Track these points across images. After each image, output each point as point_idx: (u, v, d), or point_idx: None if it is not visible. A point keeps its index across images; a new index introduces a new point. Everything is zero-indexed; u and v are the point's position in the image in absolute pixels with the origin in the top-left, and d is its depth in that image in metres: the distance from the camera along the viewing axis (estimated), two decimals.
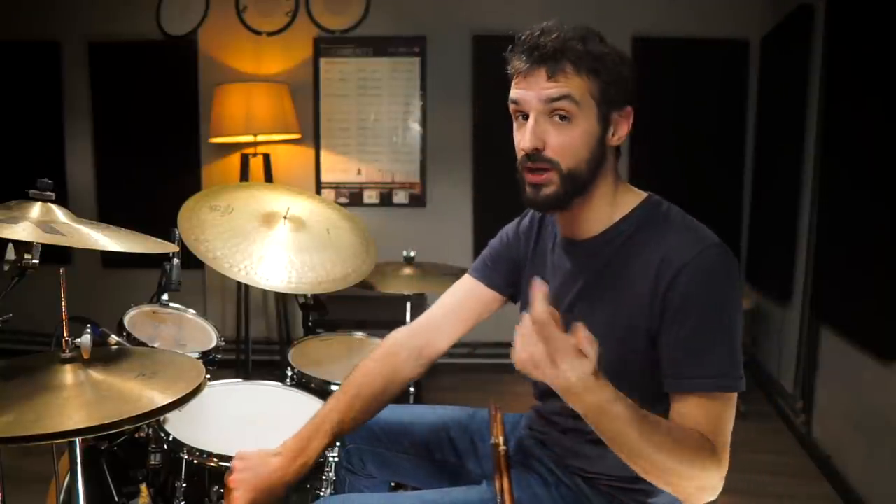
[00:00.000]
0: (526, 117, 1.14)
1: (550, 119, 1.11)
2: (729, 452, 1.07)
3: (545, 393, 1.35)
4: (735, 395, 1.09)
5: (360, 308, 3.36)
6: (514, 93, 1.14)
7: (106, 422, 1.00)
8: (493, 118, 3.95)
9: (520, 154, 1.16)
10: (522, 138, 1.13)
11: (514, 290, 1.43)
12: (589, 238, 1.22)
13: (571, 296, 1.23)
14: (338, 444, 1.49)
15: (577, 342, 0.92)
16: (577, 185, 1.14)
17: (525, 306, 1.35)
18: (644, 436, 0.98)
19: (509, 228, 1.45)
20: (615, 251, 1.18)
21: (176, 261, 1.80)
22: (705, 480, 1.04)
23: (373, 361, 1.38)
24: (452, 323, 1.41)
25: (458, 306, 1.42)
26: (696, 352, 1.07)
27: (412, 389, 1.93)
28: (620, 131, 1.16)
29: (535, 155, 1.12)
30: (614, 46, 1.15)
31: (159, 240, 1.38)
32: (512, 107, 1.17)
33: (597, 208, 1.20)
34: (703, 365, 1.07)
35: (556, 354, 0.92)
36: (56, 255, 1.19)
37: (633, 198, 1.21)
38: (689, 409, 1.07)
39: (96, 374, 1.14)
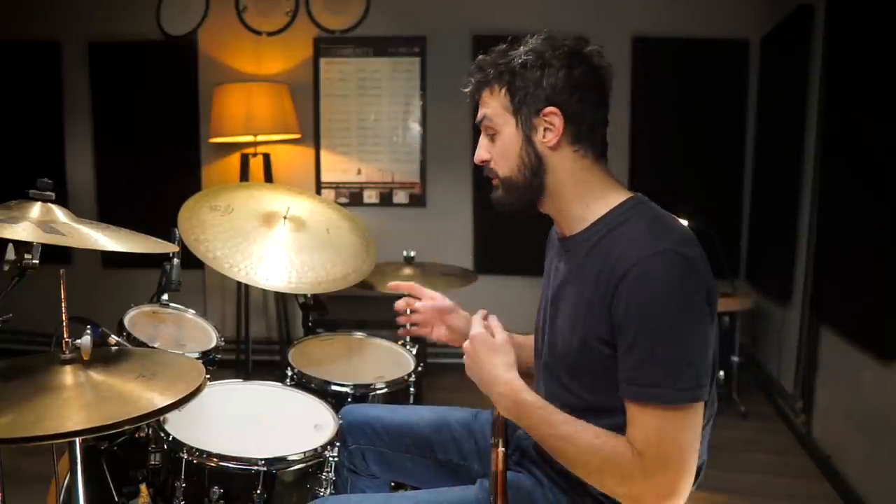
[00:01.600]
0: None
1: (486, 136, 1.26)
2: (679, 465, 1.05)
3: (536, 383, 1.36)
4: (685, 408, 1.05)
5: (360, 308, 3.35)
6: None
7: (106, 422, 1.00)
8: None
9: None
10: None
11: None
12: (571, 236, 1.24)
13: (553, 290, 1.28)
14: (338, 444, 1.50)
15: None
16: (521, 189, 1.22)
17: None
18: (555, 434, 1.12)
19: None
20: (588, 250, 1.18)
21: (176, 261, 1.80)
22: (630, 488, 1.08)
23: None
24: None
25: None
26: (636, 361, 1.06)
27: (412, 389, 1.93)
28: (549, 133, 1.18)
29: (484, 166, 1.27)
30: (546, 46, 1.18)
31: (159, 240, 1.38)
32: None
33: (571, 207, 1.22)
34: (641, 375, 1.05)
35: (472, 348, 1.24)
36: (56, 255, 1.19)
37: (615, 198, 1.20)
38: (630, 417, 1.08)
39: (96, 375, 1.14)
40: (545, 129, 1.18)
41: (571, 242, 1.23)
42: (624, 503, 1.14)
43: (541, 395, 1.27)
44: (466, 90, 1.27)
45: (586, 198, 1.20)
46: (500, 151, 1.23)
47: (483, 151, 1.26)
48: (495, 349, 1.23)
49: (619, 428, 1.10)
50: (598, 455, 1.09)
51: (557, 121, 1.17)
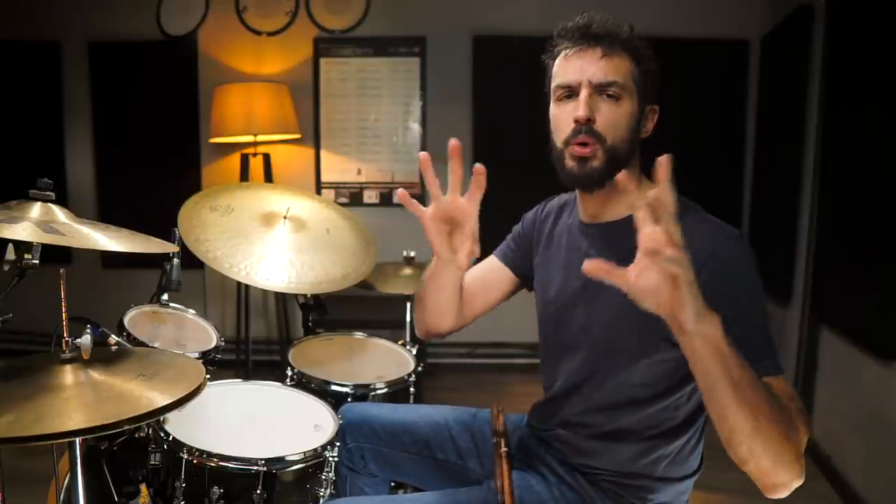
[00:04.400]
0: (570, 96, 1.20)
1: (600, 96, 1.18)
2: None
3: (553, 383, 1.36)
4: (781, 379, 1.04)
5: (360, 308, 3.35)
6: (564, 71, 1.22)
7: (106, 422, 1.00)
8: (493, 118, 3.97)
9: (566, 129, 1.20)
10: (576, 109, 1.18)
11: (526, 273, 1.48)
12: (611, 221, 1.25)
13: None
14: (338, 443, 1.50)
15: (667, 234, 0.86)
16: (616, 163, 1.18)
17: (540, 287, 1.42)
18: (744, 383, 0.90)
19: (529, 213, 1.52)
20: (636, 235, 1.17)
21: (176, 261, 1.80)
22: (790, 455, 0.92)
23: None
24: (474, 291, 1.49)
25: (481, 277, 1.51)
26: (737, 342, 1.00)
27: (412, 389, 1.93)
28: (648, 125, 1.24)
29: (586, 127, 1.17)
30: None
31: (159, 240, 1.38)
32: (557, 86, 1.23)
33: (621, 194, 1.23)
34: (747, 354, 0.96)
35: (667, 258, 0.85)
36: (56, 255, 1.19)
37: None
38: None
39: (96, 375, 1.14)
40: (647, 120, 1.25)
41: (613, 227, 1.25)
42: (766, 476, 0.95)
43: (559, 383, 1.30)
44: (598, 29, 1.19)
45: (640, 186, 1.25)
46: (617, 117, 1.19)
47: (601, 113, 1.18)
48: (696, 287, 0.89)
49: (660, 417, 1.13)
50: (792, 405, 0.97)
51: (655, 118, 1.25)
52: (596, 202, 1.27)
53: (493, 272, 1.52)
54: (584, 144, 1.18)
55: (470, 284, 1.49)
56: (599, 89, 1.18)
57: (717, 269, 1.07)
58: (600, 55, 1.18)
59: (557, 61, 1.24)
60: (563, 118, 1.21)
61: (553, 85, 1.25)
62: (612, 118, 1.18)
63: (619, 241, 1.18)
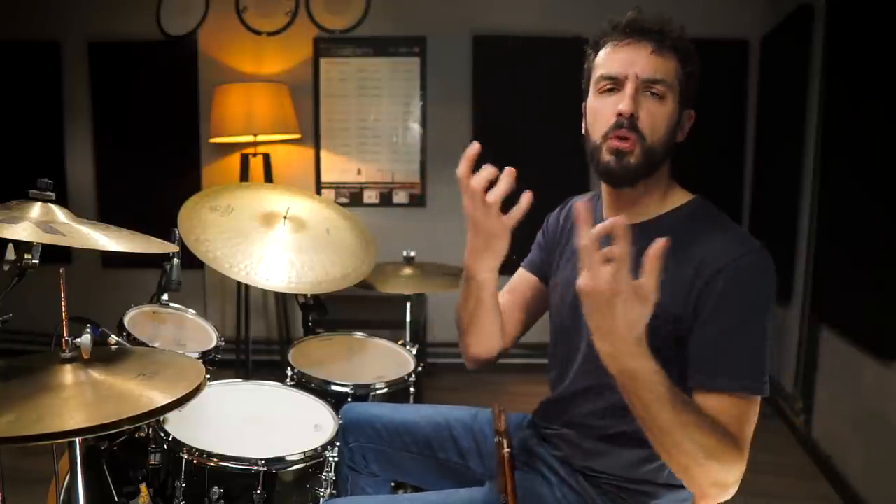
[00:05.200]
0: (613, 89, 1.18)
1: (644, 93, 1.16)
2: (745, 456, 1.06)
3: (560, 383, 1.35)
4: (758, 400, 1.09)
5: (360, 308, 3.36)
6: (610, 63, 1.19)
7: (106, 422, 1.00)
8: (493, 118, 3.97)
9: (606, 122, 1.18)
10: (619, 102, 1.15)
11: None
12: (635, 224, 1.22)
13: None
14: (337, 444, 1.50)
15: (640, 286, 0.92)
16: (652, 163, 1.18)
17: (557, 286, 1.39)
18: (676, 413, 0.98)
19: (551, 215, 1.50)
20: (670, 235, 1.17)
21: (176, 261, 1.80)
22: (723, 475, 1.03)
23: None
24: (511, 308, 1.47)
25: (515, 291, 1.49)
26: (725, 352, 1.08)
27: (412, 389, 1.93)
28: (684, 129, 1.23)
29: (629, 122, 1.15)
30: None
31: (159, 240, 1.38)
32: (601, 76, 1.19)
33: (650, 196, 1.23)
34: (731, 366, 1.08)
35: (616, 293, 0.91)
36: (56, 255, 1.19)
37: (683, 196, 1.25)
38: (712, 407, 1.07)
39: (96, 374, 1.14)
40: (684, 124, 1.23)
41: (638, 228, 1.20)
42: (708, 491, 1.05)
43: (567, 384, 1.31)
44: (650, 24, 1.17)
45: (667, 191, 1.24)
46: (659, 117, 1.16)
47: (645, 110, 1.16)
48: (639, 309, 0.93)
49: None
50: (715, 435, 1.01)
51: (690, 124, 1.24)
52: (620, 202, 1.25)
53: (524, 284, 1.49)
54: (624, 139, 1.15)
55: (506, 301, 1.46)
56: (645, 85, 1.15)
57: (731, 277, 1.09)
58: (650, 51, 1.15)
59: (602, 52, 1.21)
60: (603, 111, 1.18)
61: (596, 76, 1.21)
62: (655, 117, 1.16)
63: (636, 245, 1.19)
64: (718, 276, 1.10)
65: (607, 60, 1.19)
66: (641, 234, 1.19)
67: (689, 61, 1.19)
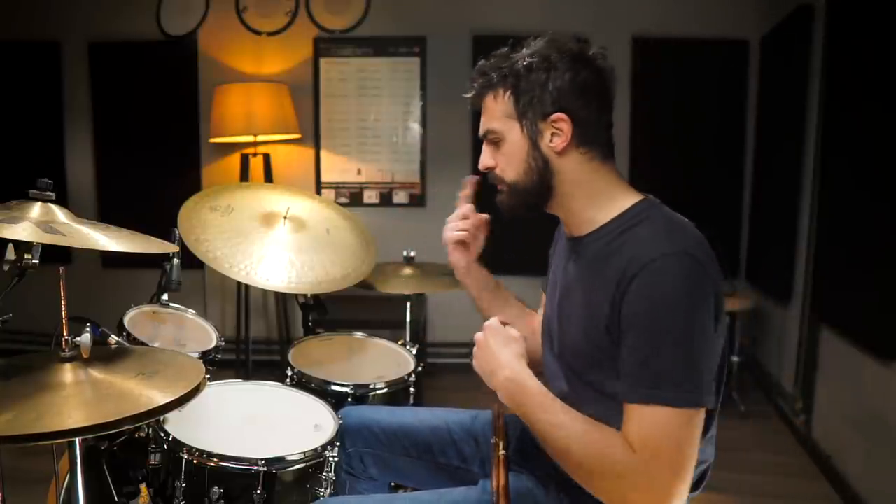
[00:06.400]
0: None
1: (489, 144, 1.26)
2: (675, 468, 1.02)
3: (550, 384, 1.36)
4: (692, 412, 1.03)
5: (360, 308, 3.35)
6: None
7: (106, 421, 1.00)
8: None
9: None
10: None
11: None
12: (581, 236, 1.23)
13: (560, 290, 1.27)
14: (337, 444, 1.50)
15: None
16: (528, 193, 1.22)
17: (546, 297, 1.42)
18: (552, 420, 1.11)
19: (557, 229, 1.49)
20: (599, 251, 1.17)
21: (176, 261, 1.80)
22: (622, 489, 1.05)
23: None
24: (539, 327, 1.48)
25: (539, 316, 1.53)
26: (639, 362, 1.05)
27: (412, 389, 1.93)
28: (557, 138, 1.18)
29: (489, 174, 1.27)
30: (550, 49, 1.17)
31: (159, 240, 1.38)
32: None
33: (580, 209, 1.21)
34: (644, 376, 1.04)
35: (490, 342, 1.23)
36: (56, 255, 1.19)
37: (626, 200, 1.19)
38: (628, 417, 1.05)
39: (96, 374, 1.14)
40: (552, 134, 1.17)
41: (581, 243, 1.22)
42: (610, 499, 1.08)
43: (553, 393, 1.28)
44: (468, 96, 1.27)
45: (596, 199, 1.20)
46: (506, 157, 1.22)
47: (488, 159, 1.25)
48: (508, 340, 1.23)
49: None
50: (593, 447, 1.06)
51: (566, 126, 1.16)
52: (563, 219, 1.29)
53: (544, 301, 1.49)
54: (496, 186, 1.27)
55: (537, 322, 1.49)
56: (486, 139, 1.25)
57: (644, 283, 1.05)
58: (484, 100, 1.24)
59: None
60: None
61: None
62: (500, 161, 1.23)
63: (581, 257, 1.23)
64: (633, 281, 1.06)
65: None
66: (582, 247, 1.22)
67: (520, 80, 1.17)
